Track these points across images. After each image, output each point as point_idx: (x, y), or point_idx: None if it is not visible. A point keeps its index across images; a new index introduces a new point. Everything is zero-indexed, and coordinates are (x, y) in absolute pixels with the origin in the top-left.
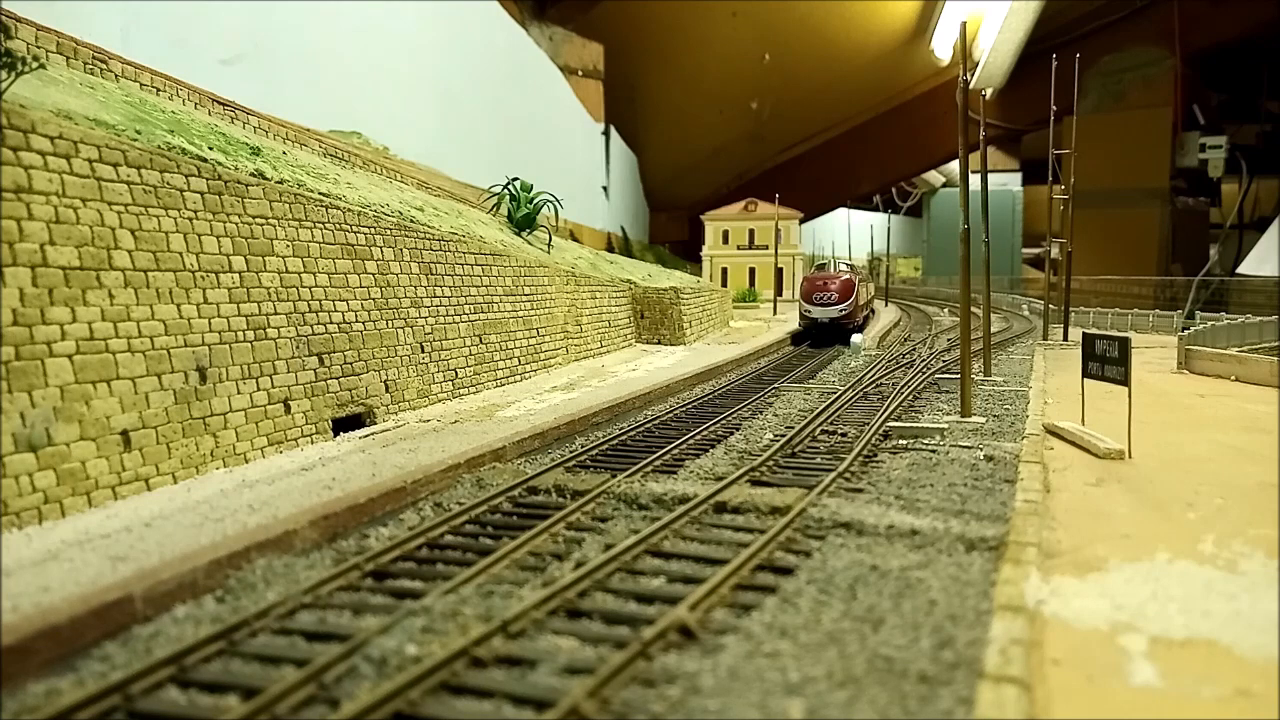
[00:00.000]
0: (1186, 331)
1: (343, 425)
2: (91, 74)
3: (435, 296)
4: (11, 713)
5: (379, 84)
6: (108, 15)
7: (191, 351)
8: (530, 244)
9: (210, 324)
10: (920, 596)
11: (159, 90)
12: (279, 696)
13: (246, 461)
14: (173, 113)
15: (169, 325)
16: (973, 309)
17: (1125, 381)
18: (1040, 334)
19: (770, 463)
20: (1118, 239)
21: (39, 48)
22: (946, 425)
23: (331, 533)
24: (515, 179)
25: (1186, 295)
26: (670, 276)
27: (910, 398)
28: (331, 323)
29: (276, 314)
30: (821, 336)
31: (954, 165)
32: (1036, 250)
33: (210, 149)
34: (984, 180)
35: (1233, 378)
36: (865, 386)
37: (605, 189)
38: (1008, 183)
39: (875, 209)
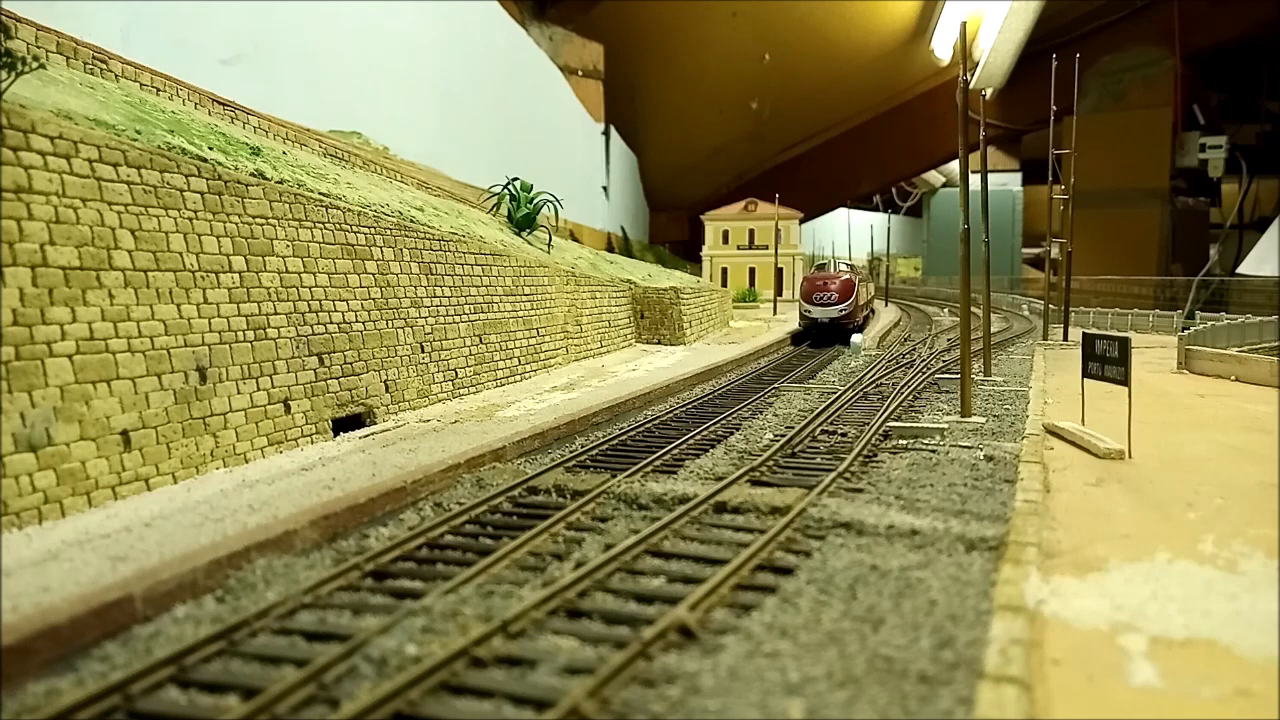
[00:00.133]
0: (1186, 331)
1: (343, 425)
2: (91, 74)
3: (435, 296)
4: (11, 713)
5: (379, 84)
6: (108, 15)
7: (191, 351)
8: (530, 244)
9: (210, 324)
10: (920, 596)
11: (159, 90)
12: (279, 696)
13: (246, 461)
14: (173, 113)
15: (169, 325)
16: (973, 309)
17: (1125, 381)
18: (1040, 334)
19: (770, 463)
20: (1118, 239)
21: (39, 48)
22: (946, 425)
23: (331, 533)
24: (515, 179)
25: (1186, 295)
26: (670, 276)
27: (910, 398)
28: (331, 323)
29: (276, 314)
30: (821, 336)
31: (954, 165)
32: (1036, 250)
33: (210, 149)
34: (984, 180)
35: (1233, 378)
36: (865, 386)
37: (605, 189)
38: (1008, 183)
39: (875, 209)
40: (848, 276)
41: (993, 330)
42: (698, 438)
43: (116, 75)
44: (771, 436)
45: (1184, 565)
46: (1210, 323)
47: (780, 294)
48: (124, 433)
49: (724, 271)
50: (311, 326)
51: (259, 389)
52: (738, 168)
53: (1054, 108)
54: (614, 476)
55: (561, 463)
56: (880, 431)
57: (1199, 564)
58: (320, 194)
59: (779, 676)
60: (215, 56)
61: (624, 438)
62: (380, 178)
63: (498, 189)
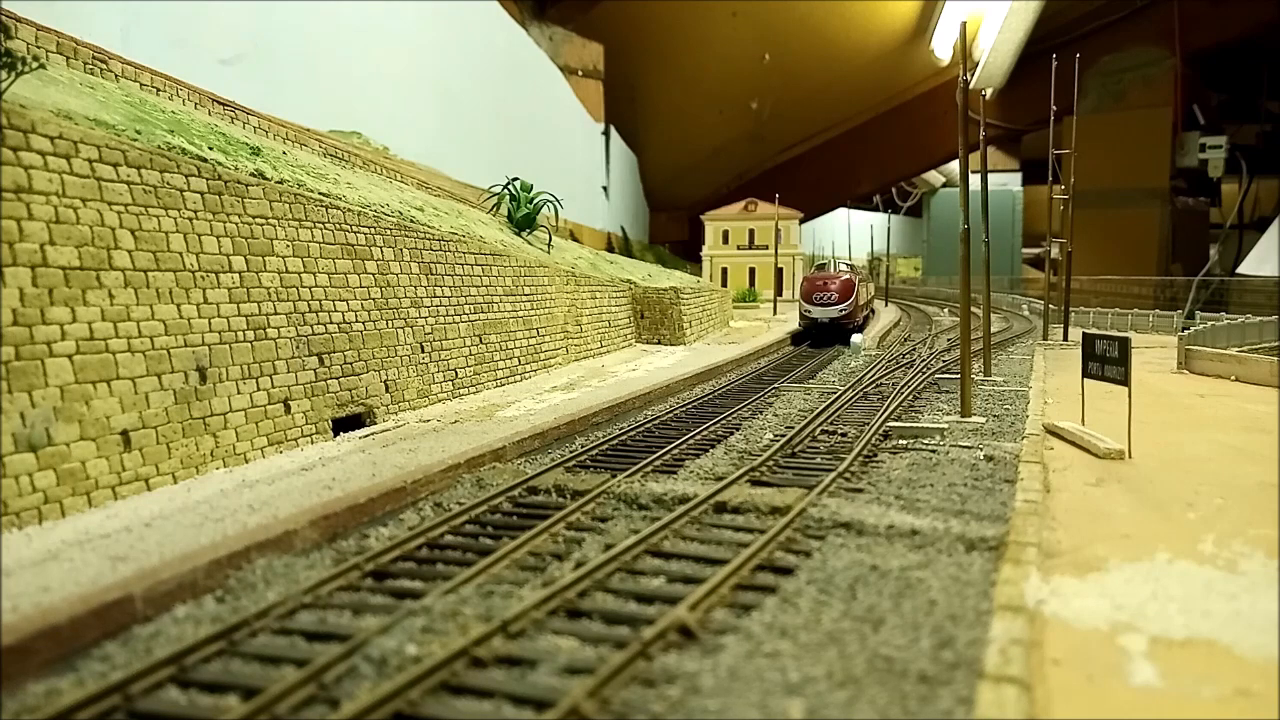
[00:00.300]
0: (1186, 331)
1: (343, 425)
2: (91, 74)
3: (435, 296)
4: (11, 713)
5: (379, 84)
6: (108, 15)
7: (191, 351)
8: (530, 244)
9: (210, 324)
10: (920, 596)
11: (159, 90)
12: (279, 696)
13: (246, 461)
14: (173, 113)
15: (169, 325)
16: (973, 309)
17: (1125, 381)
18: (1040, 334)
19: (770, 463)
20: (1118, 239)
21: (39, 48)
22: (946, 425)
23: (331, 533)
24: (515, 179)
25: (1186, 295)
26: (670, 276)
27: (910, 398)
28: (331, 323)
29: (276, 314)
30: (821, 336)
31: (954, 165)
32: (1036, 250)
33: (210, 149)
34: (984, 180)
35: (1233, 378)
36: (865, 386)
37: (605, 189)
38: (1008, 183)
39: (875, 209)
40: (848, 276)
41: (993, 330)
42: (698, 438)
43: (116, 75)
44: (771, 436)
45: (1184, 565)
46: (1210, 323)
47: (780, 294)
48: (124, 433)
49: (724, 271)
50: (311, 326)
51: (259, 389)
52: (738, 168)
53: (1054, 108)
54: (614, 476)
55: (561, 463)
56: (880, 431)
57: (1199, 564)
58: (320, 194)
59: (779, 676)
60: (215, 56)
61: (624, 438)
62: (380, 178)
63: (498, 189)
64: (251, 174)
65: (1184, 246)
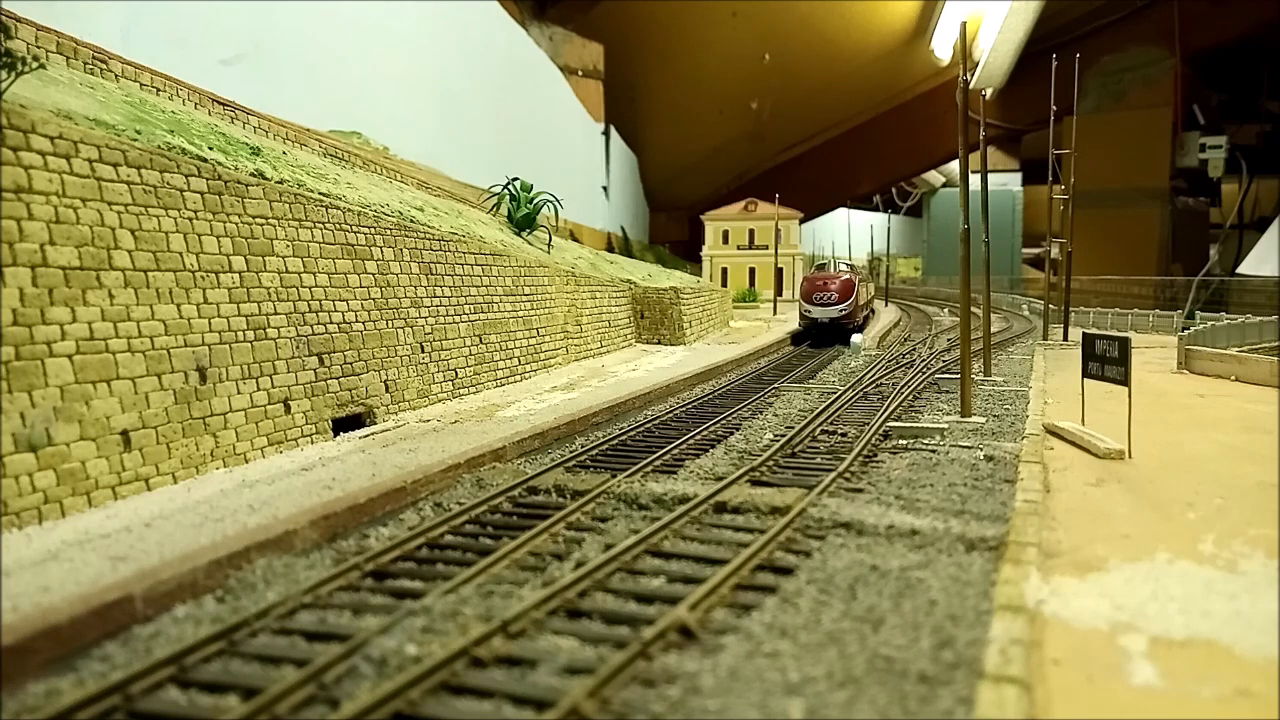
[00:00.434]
0: (1186, 331)
1: (343, 425)
2: (91, 74)
3: (435, 296)
4: (11, 713)
5: (379, 84)
6: (108, 15)
7: (191, 351)
8: (530, 244)
9: (210, 324)
10: (920, 596)
11: (159, 90)
12: (279, 696)
13: (246, 461)
14: (173, 113)
15: (169, 325)
16: (973, 309)
17: (1125, 381)
18: (1040, 334)
19: (770, 463)
20: (1118, 239)
21: (39, 48)
22: (946, 425)
23: (331, 533)
24: (515, 179)
25: (1186, 295)
26: (670, 276)
27: (910, 398)
28: (331, 323)
29: (276, 314)
30: (821, 336)
31: (954, 165)
32: (1036, 250)
33: (210, 149)
34: (984, 180)
35: (1233, 378)
36: (865, 386)
37: (605, 189)
38: (1008, 183)
39: (875, 209)
40: (848, 276)
41: (993, 330)
42: (698, 438)
43: (116, 75)
44: (771, 436)
45: (1184, 565)
46: (1210, 323)
47: (780, 294)
48: (124, 433)
49: (724, 271)
50: (311, 326)
51: (259, 389)
52: (738, 168)
53: (1054, 108)
54: (614, 476)
55: (561, 463)
56: (880, 431)
57: (1199, 564)
58: (320, 194)
59: (779, 676)
60: (215, 56)
61: (624, 438)
62: (380, 178)
63: (498, 189)
64: (251, 174)
65: (1184, 246)
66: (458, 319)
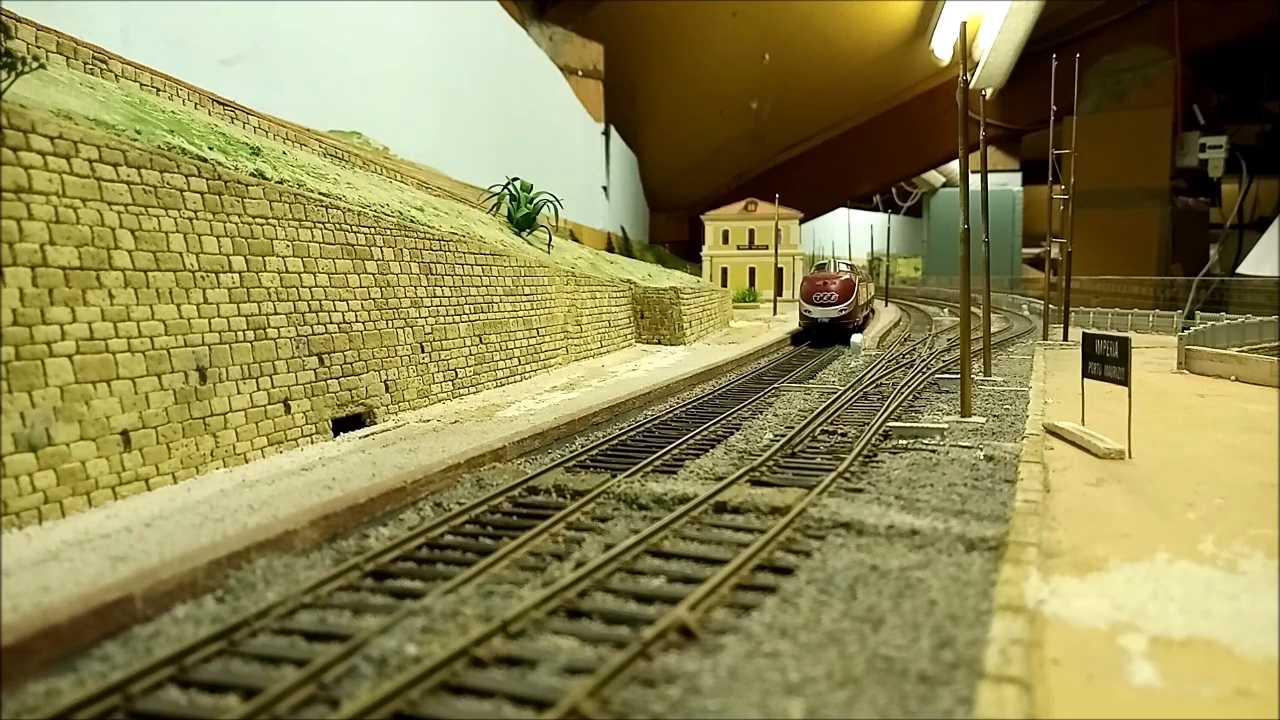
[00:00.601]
0: (1186, 331)
1: (343, 425)
2: (91, 74)
3: (435, 296)
4: (11, 713)
5: (379, 84)
6: (108, 15)
7: (191, 351)
8: (530, 244)
9: (210, 324)
10: (920, 596)
11: (159, 90)
12: (279, 696)
13: (246, 461)
14: (173, 113)
15: (169, 325)
16: (973, 309)
17: (1125, 381)
18: (1040, 334)
19: (770, 463)
20: (1118, 239)
21: (39, 48)
22: (946, 425)
23: (331, 533)
24: (515, 179)
25: (1186, 295)
26: (670, 276)
27: (910, 398)
28: (331, 323)
29: (276, 314)
30: (821, 336)
31: (954, 165)
32: (1036, 250)
33: (210, 149)
34: (984, 180)
35: (1233, 378)
36: (865, 386)
37: (605, 189)
38: (1008, 183)
39: (875, 209)
40: (848, 276)
41: (993, 330)
42: (698, 438)
43: (116, 75)
44: (771, 436)
45: (1184, 565)
46: (1210, 323)
47: (780, 294)
48: (124, 433)
49: (724, 271)
50: (311, 326)
51: (259, 389)
52: (738, 168)
53: (1054, 108)
54: (614, 476)
55: (561, 463)
56: (880, 431)
57: (1199, 564)
58: (320, 194)
59: (779, 676)
60: (215, 56)
61: (624, 438)
62: (380, 178)
63: (498, 189)
64: (251, 174)
65: (1184, 246)
66: (458, 319)
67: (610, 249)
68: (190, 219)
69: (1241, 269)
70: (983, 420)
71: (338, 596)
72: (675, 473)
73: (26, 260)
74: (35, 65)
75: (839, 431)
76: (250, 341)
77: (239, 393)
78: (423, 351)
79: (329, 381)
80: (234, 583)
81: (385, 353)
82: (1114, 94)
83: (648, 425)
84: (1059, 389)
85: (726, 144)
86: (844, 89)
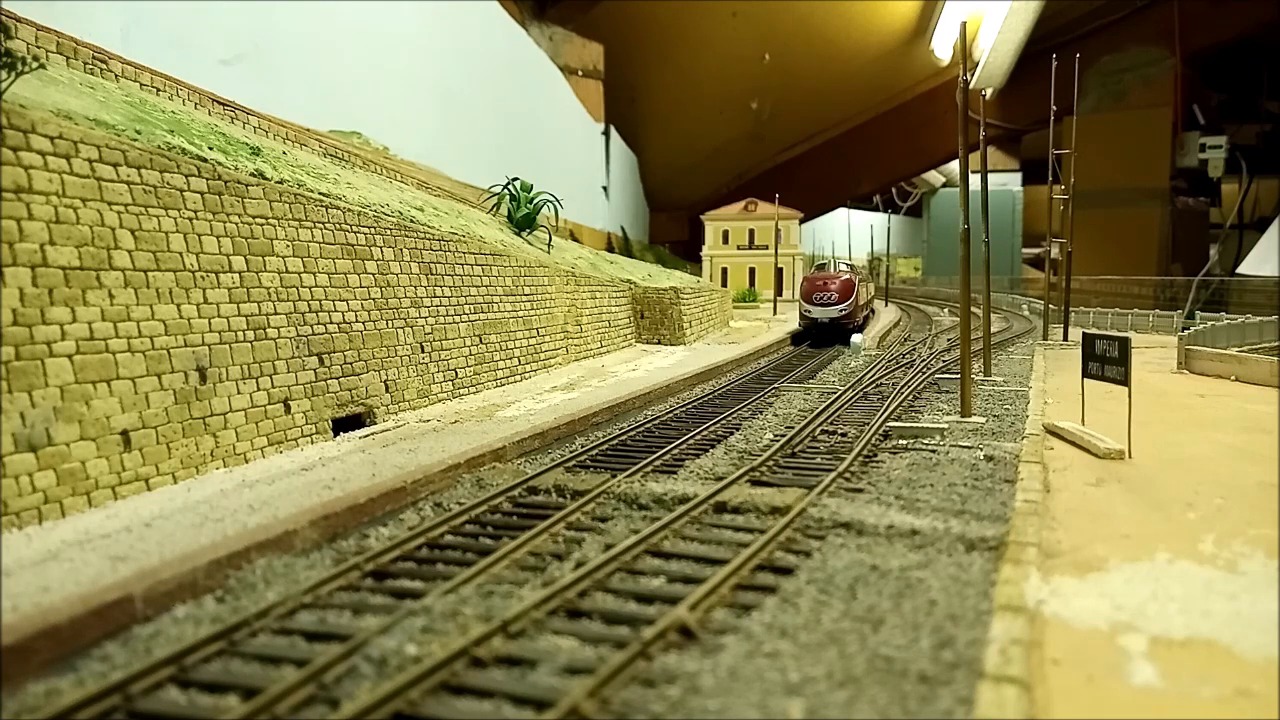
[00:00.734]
0: (1186, 331)
1: (343, 425)
2: (91, 74)
3: (435, 296)
4: (11, 713)
5: (379, 84)
6: (108, 15)
7: (191, 351)
8: (530, 244)
9: (210, 324)
10: (920, 596)
11: (159, 90)
12: (279, 696)
13: (246, 461)
14: (173, 113)
15: (169, 325)
16: (973, 309)
17: (1125, 381)
18: (1040, 334)
19: (770, 463)
20: (1118, 239)
21: (39, 48)
22: (946, 425)
23: (331, 533)
24: (515, 179)
25: (1186, 295)
26: (670, 276)
27: (910, 398)
28: (331, 323)
29: (276, 314)
30: (821, 336)
31: (954, 165)
32: (1036, 250)
33: (210, 149)
34: (984, 180)
35: (1233, 378)
36: (865, 386)
37: (605, 189)
38: (1008, 183)
39: (875, 209)
40: (848, 276)
41: (993, 330)
42: (698, 438)
43: (116, 75)
44: (771, 436)
45: (1184, 565)
46: (1210, 323)
47: (780, 294)
48: (124, 433)
49: (724, 271)
50: (311, 326)
51: (259, 389)
52: (738, 168)
53: (1054, 108)
54: (614, 476)
55: (561, 463)
56: (880, 431)
57: (1199, 564)
58: (320, 194)
59: (779, 676)
60: (215, 56)
61: (624, 438)
62: (380, 178)
63: (498, 189)
64: (251, 174)
65: (1184, 246)
66: (458, 319)
67: (610, 249)
68: (190, 219)
69: (1241, 269)
70: (983, 420)
71: (338, 596)
72: (675, 473)
73: (26, 260)
74: (35, 65)
75: (839, 431)
76: (250, 341)
77: (239, 393)
78: (423, 351)
79: (329, 381)
80: (234, 583)
81: (385, 353)
82: (1114, 94)
83: (648, 425)
84: (1059, 389)
85: (726, 144)
86: (844, 89)
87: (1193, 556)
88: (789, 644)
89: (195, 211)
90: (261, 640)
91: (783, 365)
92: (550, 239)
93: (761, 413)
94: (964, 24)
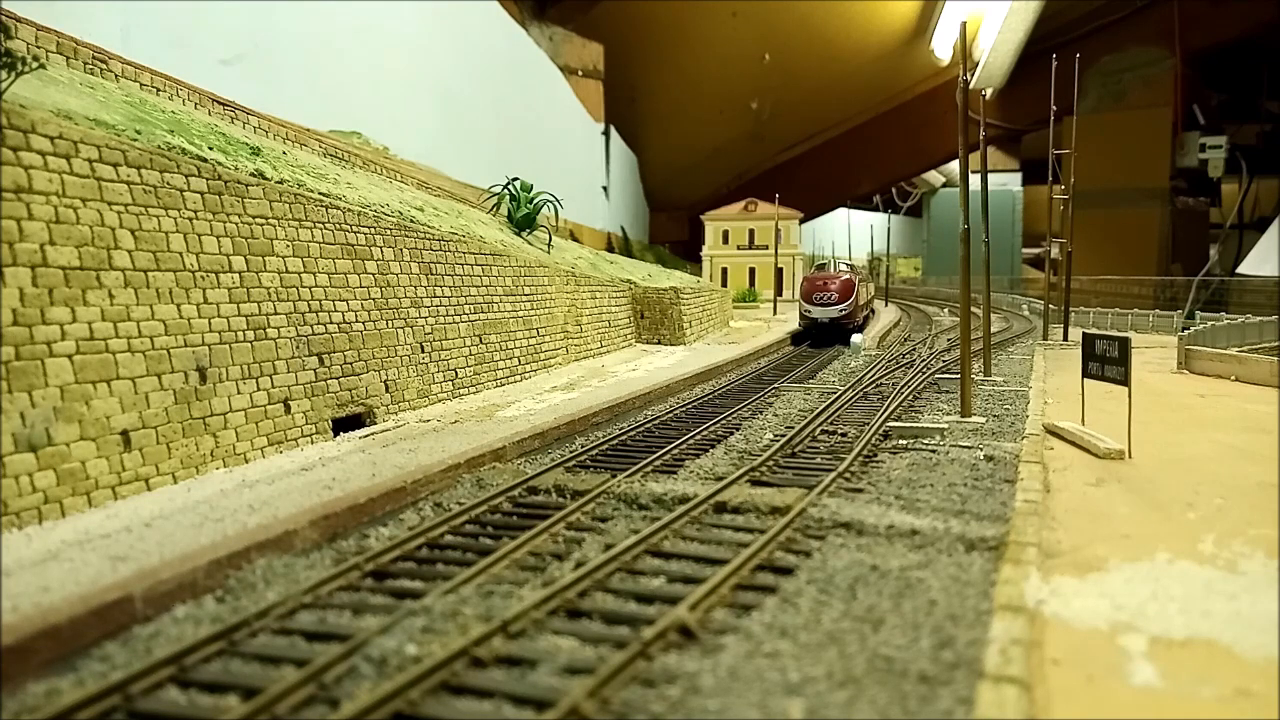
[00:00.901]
0: (1186, 331)
1: (343, 425)
2: (91, 74)
3: (435, 296)
4: (11, 713)
5: (379, 84)
6: (108, 15)
7: (191, 351)
8: (530, 244)
9: (210, 324)
10: (920, 596)
11: (159, 90)
12: (279, 696)
13: (246, 461)
14: (173, 113)
15: (169, 325)
16: (973, 309)
17: (1125, 381)
18: (1040, 334)
19: (770, 463)
20: (1118, 239)
21: (39, 48)
22: (946, 425)
23: (331, 533)
24: (515, 179)
25: (1186, 295)
26: (670, 276)
27: (910, 398)
28: (331, 323)
29: (276, 314)
30: (821, 336)
31: (954, 165)
32: (1036, 250)
33: (210, 149)
34: (984, 180)
35: (1233, 378)
36: (865, 386)
37: (605, 189)
38: (1008, 183)
39: (875, 209)
40: (848, 276)
41: (993, 330)
42: (698, 438)
43: (116, 75)
44: (771, 436)
45: (1184, 565)
46: (1210, 323)
47: (780, 294)
48: (124, 433)
49: (724, 271)
50: (311, 326)
51: (259, 389)
52: (738, 168)
53: (1054, 108)
54: (614, 476)
55: (561, 463)
56: (880, 431)
57: (1199, 564)
58: (320, 194)
59: (779, 676)
60: (215, 56)
61: (624, 438)
62: (380, 178)
63: (498, 189)
64: (251, 174)
65: (1184, 246)
66: (458, 319)
67: (610, 249)
68: (190, 219)
69: (1241, 269)
70: (983, 420)
71: (338, 596)
72: (675, 473)
73: (26, 260)
74: (35, 65)
75: (839, 431)
76: (250, 341)
77: (239, 393)
78: (423, 351)
79: (329, 381)
80: (234, 583)
81: (385, 353)
82: (1114, 94)
83: (648, 425)
84: (1059, 389)
85: (726, 144)
86: (844, 89)
87: (1193, 556)
88: (789, 644)
89: (195, 211)
90: (261, 640)
91: (783, 365)
92: (550, 239)
93: (761, 413)
94: (964, 24)
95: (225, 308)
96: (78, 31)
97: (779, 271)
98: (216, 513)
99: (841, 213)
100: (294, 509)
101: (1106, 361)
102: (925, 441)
